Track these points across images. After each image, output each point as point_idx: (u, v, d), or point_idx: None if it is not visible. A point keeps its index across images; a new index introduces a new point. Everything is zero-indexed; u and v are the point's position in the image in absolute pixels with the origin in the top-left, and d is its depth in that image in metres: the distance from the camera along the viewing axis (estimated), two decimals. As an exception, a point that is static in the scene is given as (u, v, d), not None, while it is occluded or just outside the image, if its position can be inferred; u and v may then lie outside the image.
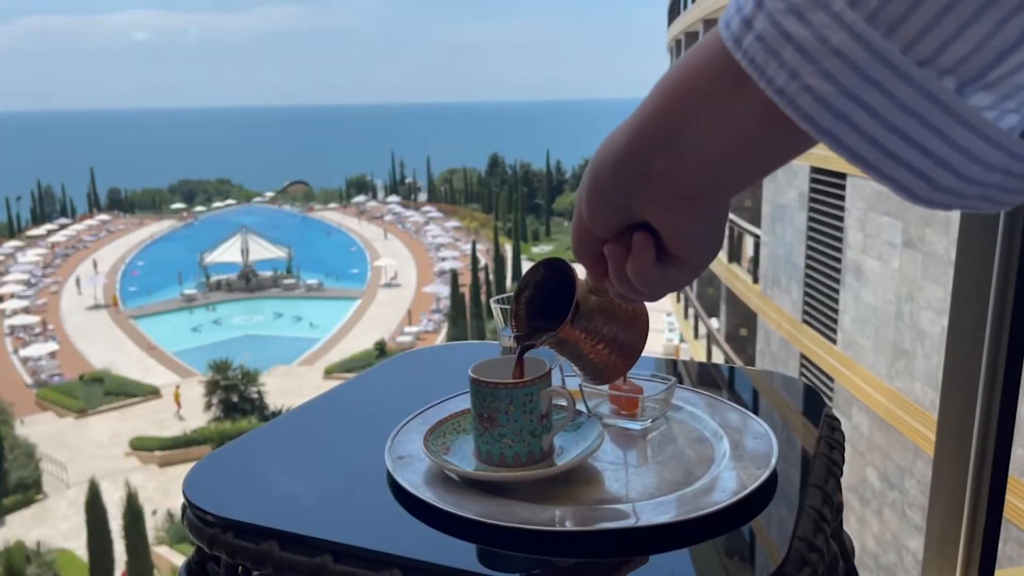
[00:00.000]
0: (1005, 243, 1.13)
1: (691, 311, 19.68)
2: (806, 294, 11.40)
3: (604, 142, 0.46)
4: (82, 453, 25.26)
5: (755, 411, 1.01)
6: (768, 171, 0.43)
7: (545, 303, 0.78)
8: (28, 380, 31.67)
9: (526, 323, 0.80)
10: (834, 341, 10.30)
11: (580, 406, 0.91)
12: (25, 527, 21.10)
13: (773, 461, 0.79)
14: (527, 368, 0.81)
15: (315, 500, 0.81)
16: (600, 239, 0.49)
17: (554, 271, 0.78)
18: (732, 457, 0.81)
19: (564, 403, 0.83)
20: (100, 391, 29.67)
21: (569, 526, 0.72)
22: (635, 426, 0.92)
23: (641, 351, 0.79)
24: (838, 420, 0.94)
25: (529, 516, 0.72)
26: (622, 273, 0.49)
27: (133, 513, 16.54)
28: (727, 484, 0.76)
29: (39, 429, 26.78)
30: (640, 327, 0.78)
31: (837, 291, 10.34)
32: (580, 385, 0.95)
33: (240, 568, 0.74)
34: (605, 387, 0.95)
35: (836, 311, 10.33)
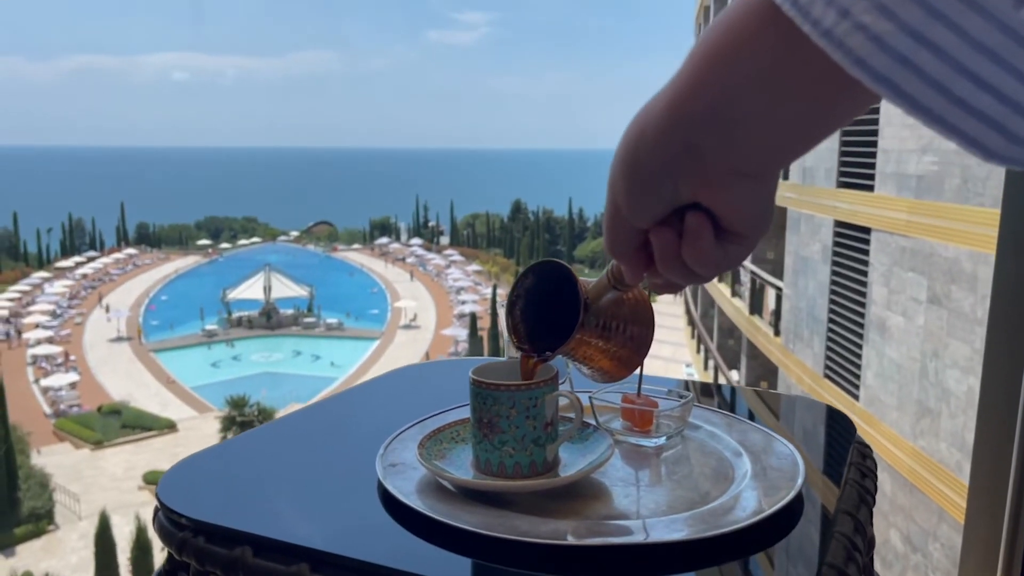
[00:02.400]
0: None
1: (711, 363, 19.45)
2: (828, 348, 11.22)
3: (635, 122, 0.41)
4: (95, 485, 25.21)
5: (784, 435, 0.94)
6: (830, 133, 0.38)
7: (542, 310, 0.73)
8: (47, 410, 31.81)
9: (527, 336, 0.74)
10: (857, 397, 10.09)
11: (589, 421, 0.84)
12: (35, 558, 20.97)
13: (800, 481, 0.71)
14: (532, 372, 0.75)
15: (296, 506, 0.74)
16: (640, 230, 0.45)
17: (546, 274, 0.72)
18: (754, 476, 0.74)
19: (571, 411, 0.76)
20: (117, 423, 29.72)
21: (573, 540, 0.64)
22: (649, 443, 0.85)
23: (651, 342, 0.73)
24: (869, 448, 0.86)
25: (529, 528, 0.65)
26: (676, 260, 0.45)
27: (141, 547, 16.41)
28: (748, 503, 0.69)
29: (55, 459, 26.81)
30: (646, 315, 0.73)
31: (860, 346, 10.16)
32: (591, 399, 0.89)
33: (210, 574, 0.68)
34: (617, 401, 0.88)
35: (859, 367, 10.14)
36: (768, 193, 0.41)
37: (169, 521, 0.71)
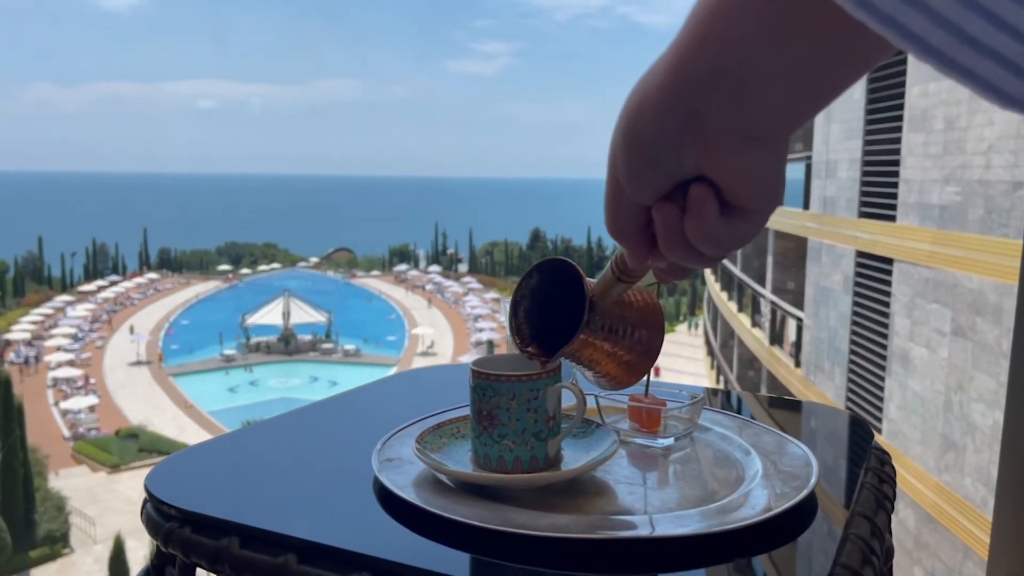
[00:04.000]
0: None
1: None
2: (850, 380, 11.06)
3: (635, 90, 0.39)
4: (111, 509, 25.25)
5: (801, 439, 0.91)
6: (839, 92, 0.36)
7: (547, 311, 0.70)
8: (66, 432, 32.00)
9: (531, 337, 0.72)
10: (879, 431, 9.92)
11: (595, 421, 0.81)
12: (48, 581, 20.99)
13: (813, 480, 0.68)
14: (535, 363, 0.72)
15: (287, 497, 0.72)
16: (643, 206, 0.42)
17: (550, 273, 0.70)
18: (765, 476, 0.71)
19: (574, 403, 0.73)
20: (134, 447, 29.83)
21: (574, 533, 0.61)
22: (656, 444, 0.82)
23: (661, 346, 0.70)
24: (888, 454, 0.83)
25: (527, 522, 0.62)
26: (678, 238, 0.42)
27: (156, 571, 16.36)
28: (758, 501, 0.65)
29: (71, 482, 26.91)
30: (656, 317, 0.70)
31: (883, 379, 10.01)
32: (597, 399, 0.86)
33: (197, 569, 0.65)
34: (624, 402, 0.85)
35: (881, 399, 9.98)
36: (776, 161, 0.38)
37: (156, 512, 0.69)
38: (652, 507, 0.67)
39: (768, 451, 0.77)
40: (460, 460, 0.73)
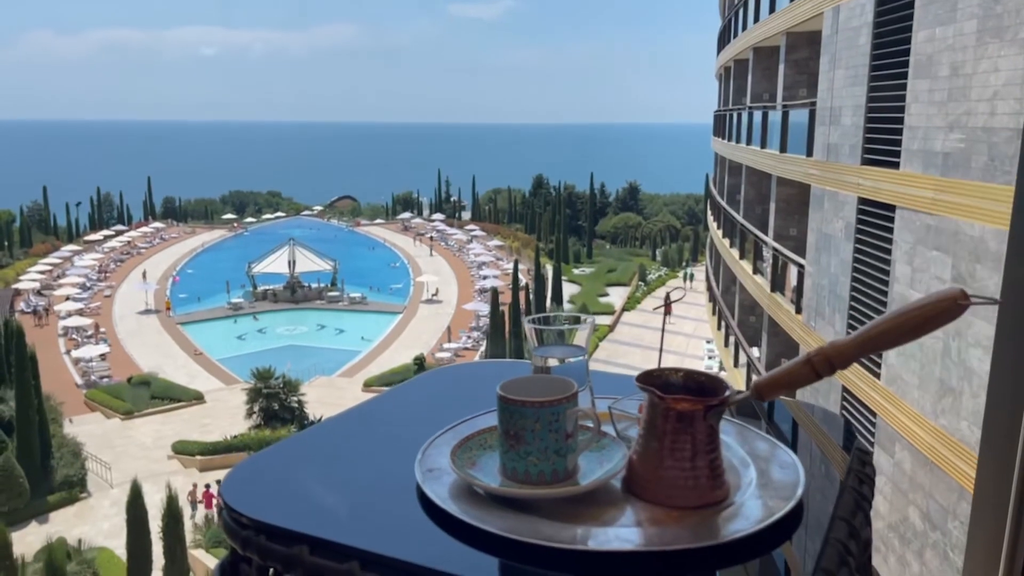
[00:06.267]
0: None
1: (732, 339, 19.43)
2: (850, 326, 11.19)
3: None
4: (126, 454, 25.78)
5: (791, 441, 1.01)
6: None
7: None
8: (79, 380, 32.50)
9: None
10: (878, 376, 10.08)
11: (608, 428, 0.92)
12: (68, 524, 21.56)
13: (799, 492, 0.79)
14: (555, 387, 0.83)
15: (346, 508, 0.83)
16: None
17: None
18: (758, 486, 0.81)
19: (590, 424, 0.84)
20: (146, 394, 30.31)
21: (590, 546, 0.72)
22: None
23: None
24: (870, 454, 0.93)
25: (553, 533, 0.73)
26: None
27: (172, 515, 16.81)
28: (752, 512, 0.76)
29: (86, 428, 27.41)
30: None
31: (884, 325, 10.13)
32: (609, 408, 0.96)
33: (271, 570, 0.77)
34: (635, 411, 0.96)
35: (882, 345, 10.11)
36: None
37: (233, 520, 0.80)
38: (659, 516, 0.78)
39: (761, 458, 0.87)
40: (490, 471, 0.84)
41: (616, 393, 0.98)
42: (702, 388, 0.82)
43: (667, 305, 0.90)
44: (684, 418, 0.79)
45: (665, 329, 0.97)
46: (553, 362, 0.95)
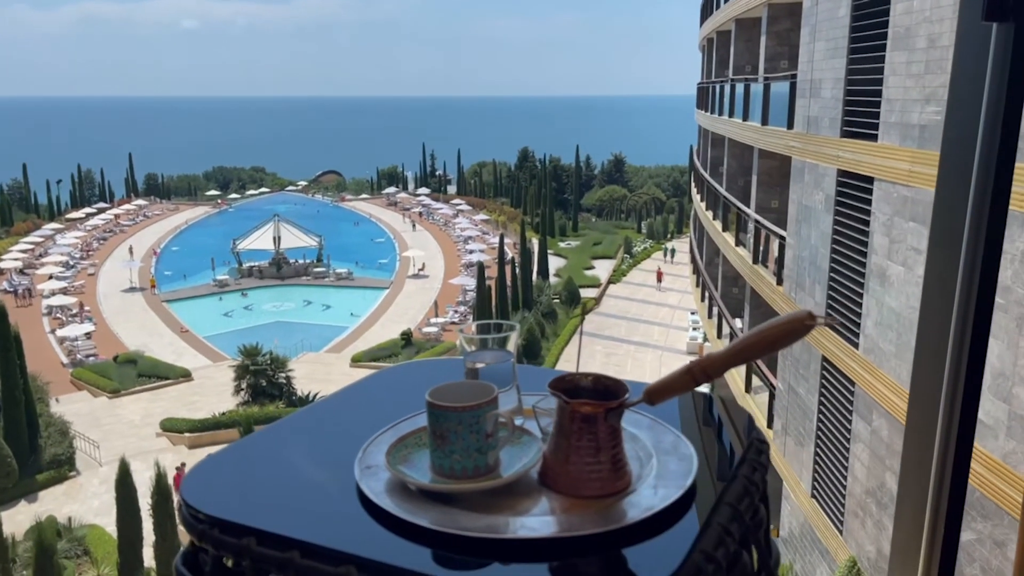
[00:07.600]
0: (971, 243, 1.13)
1: (715, 310, 19.64)
2: (829, 297, 11.37)
3: None
4: (114, 432, 25.86)
5: (700, 433, 1.12)
6: None
7: None
8: (64, 359, 32.45)
9: None
10: (856, 345, 10.27)
11: (533, 425, 1.03)
12: (57, 503, 21.70)
13: (689, 481, 0.90)
14: (476, 392, 0.93)
15: (291, 503, 0.93)
16: None
17: None
18: (656, 476, 0.92)
19: (506, 422, 0.95)
20: (133, 372, 30.32)
21: (507, 535, 0.83)
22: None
23: None
24: (767, 444, 1.04)
25: (474, 524, 0.84)
26: None
27: (161, 492, 16.95)
28: (646, 501, 0.87)
29: (74, 407, 27.44)
30: None
31: (861, 295, 10.31)
32: (534, 406, 1.06)
33: (224, 558, 0.87)
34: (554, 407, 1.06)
35: (859, 315, 10.30)
36: None
37: (190, 515, 0.90)
38: (567, 505, 0.89)
39: (664, 450, 0.98)
40: (422, 468, 0.95)
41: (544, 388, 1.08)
42: (607, 391, 0.92)
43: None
44: (588, 419, 0.90)
45: (583, 329, 1.08)
46: (482, 366, 1.06)
